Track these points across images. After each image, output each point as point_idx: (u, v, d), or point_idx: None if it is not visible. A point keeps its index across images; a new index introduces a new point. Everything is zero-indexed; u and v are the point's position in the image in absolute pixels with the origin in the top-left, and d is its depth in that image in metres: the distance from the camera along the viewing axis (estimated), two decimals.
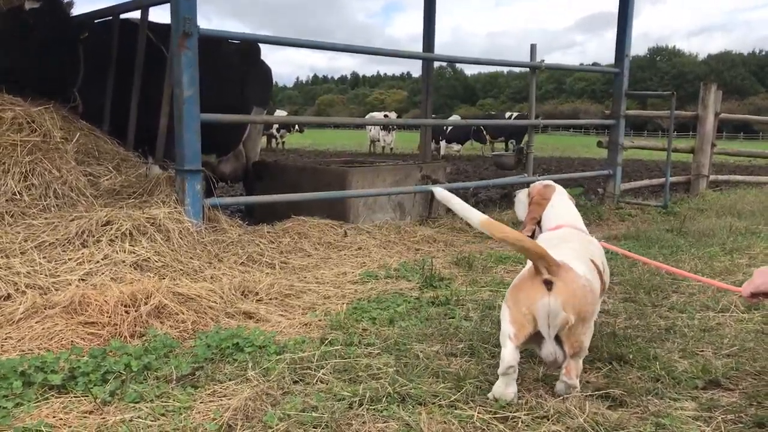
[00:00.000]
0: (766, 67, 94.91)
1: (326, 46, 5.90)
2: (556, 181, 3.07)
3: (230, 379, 2.50)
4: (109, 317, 3.00)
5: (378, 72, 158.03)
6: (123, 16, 5.56)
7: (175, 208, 4.39)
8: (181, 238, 4.14)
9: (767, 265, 2.36)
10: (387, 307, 3.54)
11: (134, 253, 3.83)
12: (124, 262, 3.72)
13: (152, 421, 2.15)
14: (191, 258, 4.05)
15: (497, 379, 2.31)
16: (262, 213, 6.31)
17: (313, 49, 5.84)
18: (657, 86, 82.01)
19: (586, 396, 2.37)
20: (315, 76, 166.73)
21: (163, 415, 2.19)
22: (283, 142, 27.47)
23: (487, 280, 4.24)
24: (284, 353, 2.77)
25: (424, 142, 8.72)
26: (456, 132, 22.52)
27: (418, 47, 8.11)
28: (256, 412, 2.20)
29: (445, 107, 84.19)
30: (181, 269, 3.87)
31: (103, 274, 3.57)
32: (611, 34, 8.10)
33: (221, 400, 2.32)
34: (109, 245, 3.83)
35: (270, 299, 3.71)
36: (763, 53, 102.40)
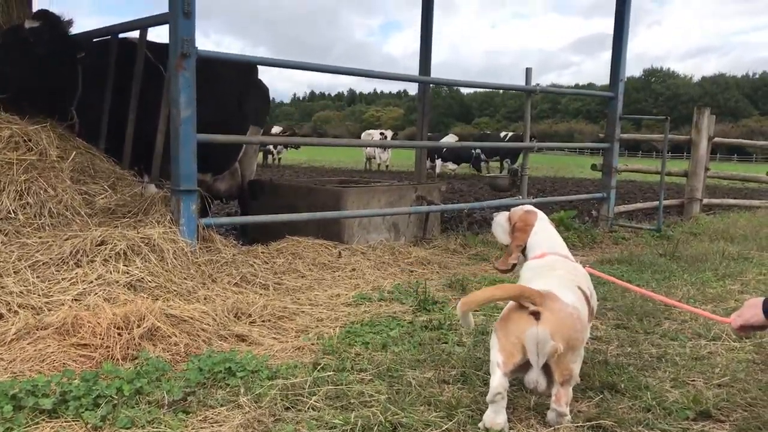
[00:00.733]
0: (760, 90, 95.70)
1: (328, 69, 5.94)
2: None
3: (222, 405, 2.50)
4: (102, 339, 3.00)
5: (375, 89, 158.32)
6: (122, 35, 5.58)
7: (170, 227, 4.39)
8: (175, 258, 4.14)
9: (757, 297, 2.37)
10: (380, 331, 3.54)
11: (128, 273, 3.82)
12: (117, 282, 3.71)
13: None
14: (185, 278, 4.04)
15: (487, 407, 2.31)
16: (257, 232, 6.32)
17: (313, 71, 5.86)
18: (651, 107, 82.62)
19: (577, 426, 2.37)
20: (312, 93, 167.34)
21: None
22: (280, 159, 27.52)
23: None
24: (276, 378, 2.77)
25: (419, 162, 8.75)
26: (453, 152, 22.52)
27: (415, 65, 8.17)
28: None
29: (440, 125, 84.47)
30: (174, 290, 3.86)
31: (96, 294, 3.56)
32: (607, 55, 8.21)
33: (213, 426, 2.31)
34: (103, 265, 3.82)
35: (263, 321, 3.71)
36: (757, 76, 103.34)
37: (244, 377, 2.76)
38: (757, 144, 13.88)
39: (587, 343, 3.25)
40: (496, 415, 2.29)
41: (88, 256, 3.86)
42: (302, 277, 4.81)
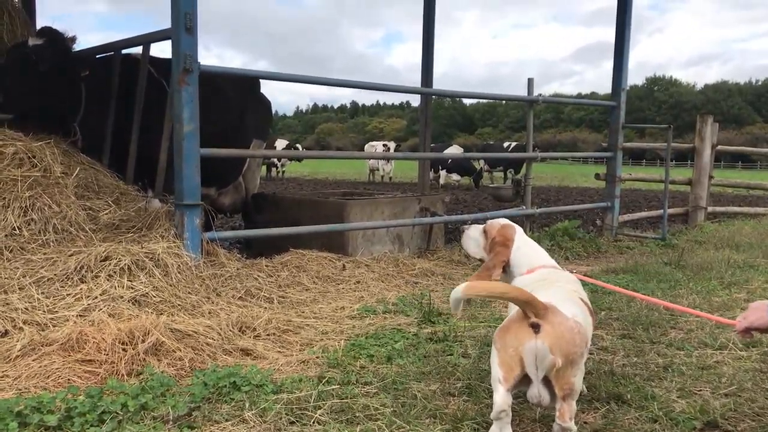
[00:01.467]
0: (763, 97, 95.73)
1: (330, 82, 5.97)
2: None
3: (227, 420, 2.49)
4: (107, 355, 3.00)
5: (377, 101, 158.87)
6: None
7: (174, 242, 4.40)
8: (179, 272, 4.15)
9: (762, 300, 2.36)
10: (385, 344, 3.53)
11: (132, 288, 3.83)
12: (122, 297, 3.72)
13: None
14: (189, 293, 4.05)
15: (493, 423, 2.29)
16: (261, 245, 6.32)
17: (315, 84, 5.89)
18: (654, 116, 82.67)
19: None
20: (315, 105, 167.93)
21: None
22: (283, 171, 27.58)
23: (486, 315, 4.24)
24: (281, 392, 2.77)
25: (422, 174, 8.76)
26: (457, 164, 22.48)
27: (417, 76, 8.19)
28: None
29: (443, 136, 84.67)
30: (179, 304, 3.87)
31: (101, 310, 3.56)
32: (608, 64, 8.25)
33: None
34: (108, 280, 3.83)
35: (267, 335, 3.71)
36: (759, 83, 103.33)
37: (249, 391, 2.75)
38: (761, 151, 13.90)
39: (592, 353, 3.25)
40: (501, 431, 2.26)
41: (92, 272, 3.87)
42: (307, 290, 4.81)
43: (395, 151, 25.29)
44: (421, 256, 6.40)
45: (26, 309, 3.47)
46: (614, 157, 8.22)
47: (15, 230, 4.09)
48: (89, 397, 2.57)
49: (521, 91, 7.42)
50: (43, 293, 3.64)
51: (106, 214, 4.68)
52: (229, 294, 4.30)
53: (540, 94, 7.29)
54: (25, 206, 4.23)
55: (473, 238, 2.99)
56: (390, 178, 26.58)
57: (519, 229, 2.95)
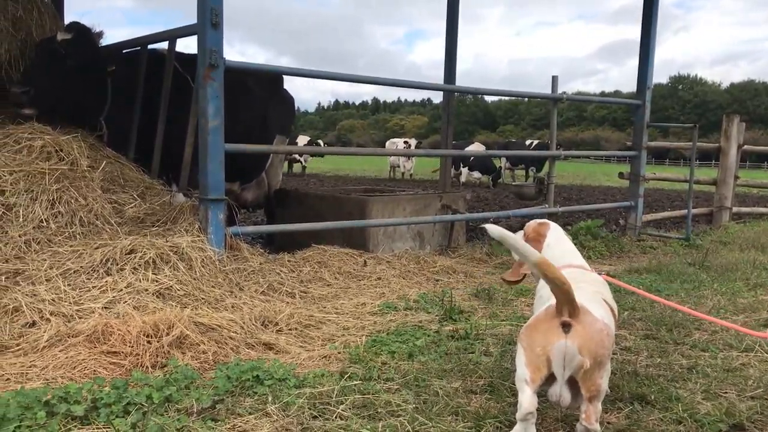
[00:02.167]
0: None
1: (352, 78, 5.98)
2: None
3: (250, 413, 2.51)
4: (132, 347, 3.04)
5: (399, 98, 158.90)
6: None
7: (198, 236, 4.44)
8: (203, 266, 4.18)
9: None
10: (406, 341, 3.53)
11: (157, 281, 3.87)
12: (147, 290, 3.76)
13: None
14: (213, 287, 4.08)
15: (516, 420, 2.29)
16: (283, 241, 6.35)
17: (338, 81, 5.90)
18: (678, 115, 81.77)
19: None
20: (336, 102, 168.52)
21: None
22: (305, 168, 27.65)
23: (508, 313, 4.22)
24: (304, 387, 2.78)
25: (444, 171, 8.74)
26: (479, 162, 22.36)
27: (439, 73, 8.17)
28: None
29: (465, 133, 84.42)
30: (202, 298, 3.90)
31: (126, 302, 3.61)
32: (633, 62, 8.12)
33: None
34: (133, 273, 3.87)
35: (290, 330, 3.73)
36: None
37: (272, 385, 2.77)
38: None
39: (615, 353, 3.23)
40: None
41: (117, 265, 3.92)
42: (328, 285, 4.82)
43: (416, 148, 25.27)
44: (443, 253, 6.39)
45: (53, 300, 3.52)
46: (638, 156, 8.14)
47: (42, 222, 4.14)
48: (115, 388, 2.60)
49: (544, 89, 7.38)
50: (69, 285, 3.69)
51: (132, 207, 4.72)
52: (252, 288, 4.33)
53: (564, 92, 7.24)
54: (53, 199, 4.28)
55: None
56: (411, 175, 26.54)
57: (555, 228, 2.98)
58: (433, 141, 48.08)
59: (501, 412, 2.54)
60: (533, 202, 10.46)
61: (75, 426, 2.35)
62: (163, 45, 5.46)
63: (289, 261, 5.10)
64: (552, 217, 7.37)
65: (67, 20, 6.01)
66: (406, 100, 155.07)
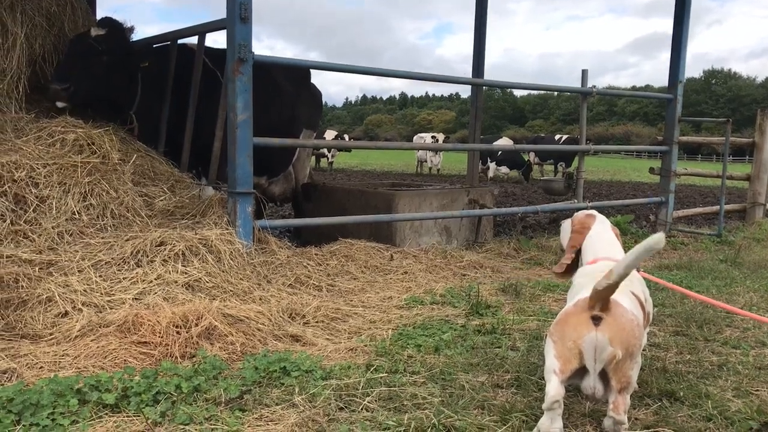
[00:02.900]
0: None
1: (380, 72, 5.99)
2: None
3: (277, 404, 2.53)
4: (161, 337, 3.08)
5: (426, 93, 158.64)
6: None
7: (227, 229, 4.48)
8: (231, 259, 4.23)
9: None
10: (432, 335, 3.54)
11: (186, 273, 3.92)
12: (176, 282, 3.81)
13: None
14: (241, 279, 4.12)
15: (543, 413, 2.28)
16: (310, 234, 6.39)
17: (365, 75, 5.91)
18: (711, 110, 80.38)
19: None
20: (364, 96, 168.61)
21: None
22: (331, 163, 27.73)
23: (535, 309, 4.20)
24: (330, 379, 2.80)
25: (471, 166, 8.71)
26: (508, 156, 22.21)
27: (468, 68, 8.15)
28: None
29: (493, 128, 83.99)
30: (231, 290, 3.94)
31: (156, 293, 3.66)
32: (665, 56, 8.03)
33: (268, 425, 2.35)
34: (163, 265, 3.93)
35: (317, 322, 3.75)
36: None
37: (299, 377, 2.79)
38: None
39: (644, 349, 3.19)
40: (552, 423, 2.25)
41: (148, 257, 3.97)
42: (355, 279, 4.84)
43: (444, 143, 25.19)
44: (470, 248, 6.38)
45: (85, 291, 3.58)
46: (670, 151, 8.03)
47: (75, 215, 4.21)
48: (144, 377, 2.64)
49: (574, 84, 7.31)
50: (100, 276, 3.75)
51: (162, 200, 4.78)
52: (280, 281, 4.36)
53: (594, 86, 7.16)
54: (85, 192, 4.35)
55: (565, 230, 3.12)
56: (438, 170, 26.48)
57: (601, 218, 3.00)
58: (461, 136, 47.86)
59: (527, 406, 2.53)
60: (562, 197, 10.38)
61: (106, 414, 2.39)
62: (193, 40, 5.51)
63: (316, 254, 5.13)
64: None
65: (99, 15, 6.10)
66: (434, 94, 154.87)
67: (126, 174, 4.68)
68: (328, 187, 7.36)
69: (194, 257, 4.07)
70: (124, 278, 3.78)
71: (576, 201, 7.33)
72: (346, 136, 31.43)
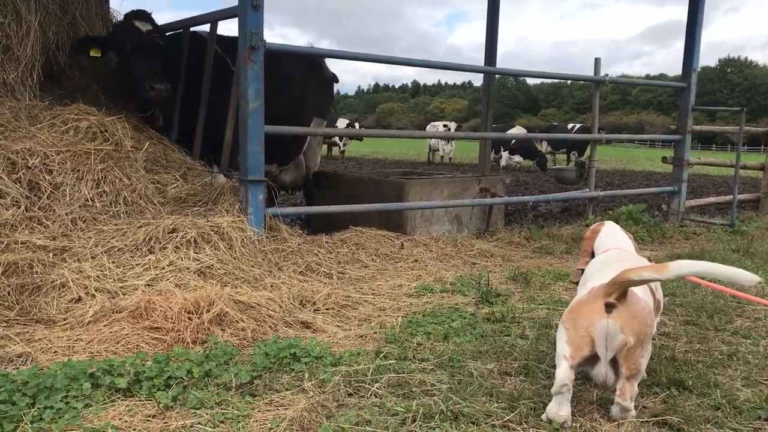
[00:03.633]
0: None
1: (393, 60, 5.99)
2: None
3: (287, 389, 2.56)
4: (173, 323, 3.11)
5: (439, 81, 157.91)
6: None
7: (238, 216, 4.51)
8: (243, 246, 4.26)
9: None
10: (442, 322, 3.55)
11: (198, 260, 3.95)
12: (188, 268, 3.84)
13: (212, 427, 2.22)
14: (252, 266, 4.15)
15: (551, 400, 2.30)
16: (321, 222, 6.41)
17: (378, 63, 5.91)
18: (727, 99, 79.56)
19: (642, 422, 2.33)
20: (376, 85, 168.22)
21: (222, 422, 2.27)
22: (343, 152, 27.72)
23: (545, 297, 4.20)
24: (340, 365, 2.82)
25: (483, 154, 8.69)
26: (521, 145, 22.09)
27: (480, 56, 8.13)
28: (312, 424, 2.25)
29: (506, 117, 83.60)
30: (242, 277, 3.97)
31: (168, 280, 3.69)
32: (679, 44, 7.94)
33: (278, 410, 2.38)
34: (175, 252, 3.96)
35: (327, 309, 3.78)
36: None
37: (309, 363, 2.82)
38: None
39: (654, 337, 3.20)
40: (559, 408, 2.28)
41: (160, 243, 4.01)
42: (365, 267, 4.86)
43: (456, 131, 25.12)
44: (480, 237, 6.38)
45: (98, 277, 3.62)
46: (683, 140, 7.98)
47: (88, 201, 4.25)
48: (156, 362, 2.68)
49: (587, 72, 7.27)
50: (113, 262, 3.79)
51: (174, 187, 4.82)
52: (291, 268, 4.39)
53: (607, 75, 7.12)
54: (98, 179, 4.39)
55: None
56: (450, 159, 26.42)
57: (610, 223, 3.17)
58: (473, 124, 47.65)
59: (535, 393, 2.54)
60: (574, 186, 10.34)
61: (118, 398, 2.43)
62: (205, 28, 5.53)
63: (326, 242, 5.16)
64: (593, 201, 7.30)
65: (112, 5, 6.12)
66: (446, 83, 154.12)
67: (138, 161, 4.71)
68: (339, 175, 7.37)
69: (206, 244, 4.11)
70: (136, 264, 3.81)
71: (588, 190, 7.31)
72: (357, 125, 31.38)
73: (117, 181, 4.47)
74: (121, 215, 4.33)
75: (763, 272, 4.98)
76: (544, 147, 24.51)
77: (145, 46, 5.02)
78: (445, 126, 27.33)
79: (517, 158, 22.93)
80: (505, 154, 22.67)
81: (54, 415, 2.24)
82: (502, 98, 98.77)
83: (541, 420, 2.31)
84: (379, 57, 5.90)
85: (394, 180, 6.77)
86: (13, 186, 4.03)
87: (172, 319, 3.13)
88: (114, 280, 3.64)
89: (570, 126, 26.98)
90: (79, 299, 3.44)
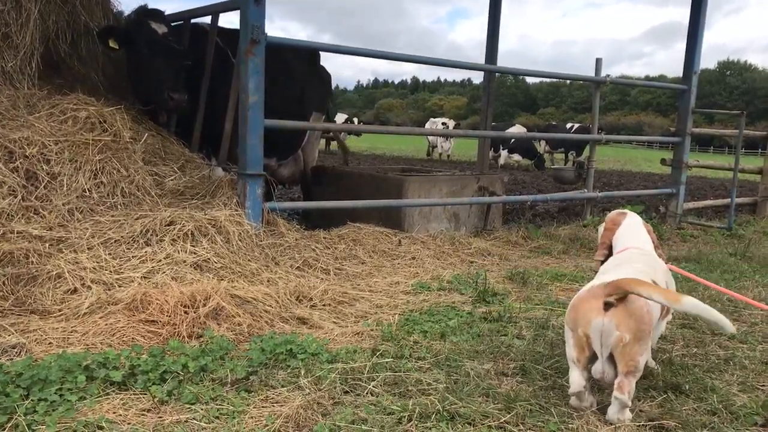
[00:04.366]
0: None
1: (393, 56, 5.97)
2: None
3: (283, 386, 2.55)
4: (169, 317, 3.10)
5: (438, 78, 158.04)
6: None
7: (236, 210, 4.49)
8: (240, 240, 4.24)
9: None
10: (439, 321, 3.54)
11: (195, 253, 3.93)
12: (185, 261, 3.83)
13: (207, 423, 2.21)
14: (249, 261, 4.13)
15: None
16: (319, 218, 6.39)
17: (378, 59, 5.89)
18: (725, 101, 79.63)
19: (639, 426, 2.33)
20: (376, 80, 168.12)
21: (217, 418, 2.25)
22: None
23: (542, 297, 4.19)
24: (336, 362, 2.81)
25: (482, 153, 8.67)
26: (520, 144, 22.06)
27: (480, 54, 8.09)
28: (307, 422, 2.24)
29: (505, 115, 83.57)
30: (239, 271, 3.96)
31: (164, 272, 3.68)
32: (680, 45, 7.92)
33: (273, 406, 2.36)
34: (172, 245, 3.94)
35: (324, 305, 3.76)
36: None
37: (305, 359, 2.81)
38: None
39: (660, 339, 3.20)
40: (580, 402, 2.38)
41: (157, 236, 3.99)
42: (362, 263, 4.85)
43: (454, 129, 25.08)
44: (478, 235, 6.37)
45: (94, 268, 3.60)
46: (682, 142, 7.97)
47: (85, 192, 4.23)
48: (152, 356, 2.66)
49: (589, 72, 7.25)
50: (110, 254, 3.77)
51: (172, 180, 4.80)
52: (288, 264, 4.38)
53: (607, 75, 7.11)
54: (96, 169, 4.37)
55: (599, 230, 3.28)
56: (448, 156, 26.40)
57: (632, 215, 3.16)
58: (472, 122, 47.65)
59: (532, 395, 2.53)
60: (572, 186, 10.33)
61: (113, 391, 2.42)
62: (206, 20, 5.49)
63: (324, 238, 5.14)
64: (590, 201, 7.29)
65: None
66: (446, 80, 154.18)
67: (137, 153, 4.69)
68: (337, 171, 7.35)
69: (203, 237, 4.09)
70: (133, 257, 3.80)
71: (586, 190, 7.30)
72: (356, 120, 31.31)
73: (115, 172, 4.45)
74: (119, 207, 4.31)
75: (760, 276, 4.98)
76: (542, 146, 24.48)
77: (164, 50, 4.98)
78: (443, 123, 27.28)
79: (517, 157, 22.90)
80: (504, 153, 22.64)
81: (48, 408, 2.22)
82: (501, 96, 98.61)
83: (541, 422, 2.30)
84: (379, 52, 5.87)
85: (392, 176, 6.75)
86: (10, 175, 4.00)
87: (168, 312, 3.12)
88: (110, 271, 3.62)
89: (569, 126, 26.97)
90: (75, 290, 3.42)
